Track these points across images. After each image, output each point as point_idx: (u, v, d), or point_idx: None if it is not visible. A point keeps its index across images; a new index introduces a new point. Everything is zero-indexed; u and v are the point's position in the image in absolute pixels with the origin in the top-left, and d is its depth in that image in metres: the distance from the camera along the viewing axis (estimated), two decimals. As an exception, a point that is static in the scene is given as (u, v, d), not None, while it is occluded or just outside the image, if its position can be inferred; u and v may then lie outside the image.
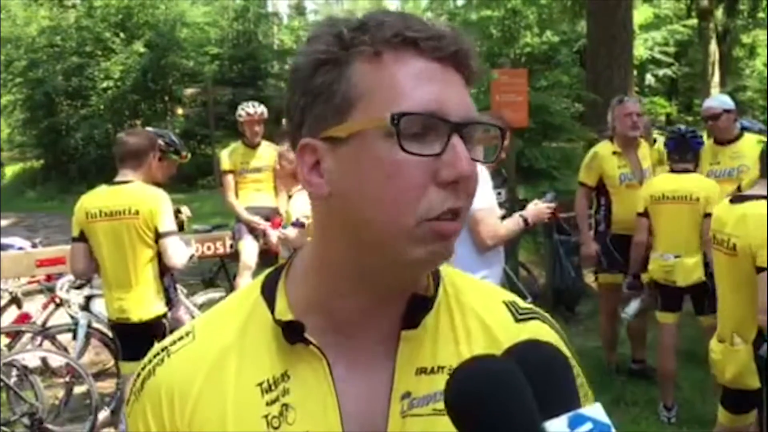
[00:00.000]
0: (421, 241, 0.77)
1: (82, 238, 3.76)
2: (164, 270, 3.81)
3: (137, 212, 3.66)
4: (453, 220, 0.78)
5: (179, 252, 3.79)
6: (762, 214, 2.78)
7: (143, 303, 3.75)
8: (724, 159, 4.94)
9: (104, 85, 17.93)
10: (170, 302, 3.84)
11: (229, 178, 5.98)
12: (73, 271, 4.08)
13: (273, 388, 0.82)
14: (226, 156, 6.09)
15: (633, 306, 4.73)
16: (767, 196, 2.85)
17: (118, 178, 3.78)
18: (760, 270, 2.73)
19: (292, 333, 0.83)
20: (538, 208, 3.81)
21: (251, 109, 5.88)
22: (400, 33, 0.77)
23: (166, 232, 3.72)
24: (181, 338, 0.89)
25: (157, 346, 0.90)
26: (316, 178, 0.81)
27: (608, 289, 5.18)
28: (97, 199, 3.73)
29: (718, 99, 5.54)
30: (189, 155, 4.66)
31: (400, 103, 0.76)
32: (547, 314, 0.93)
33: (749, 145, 4.86)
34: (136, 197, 3.68)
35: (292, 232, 4.14)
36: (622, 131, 4.94)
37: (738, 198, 3.01)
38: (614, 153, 5.00)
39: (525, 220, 3.71)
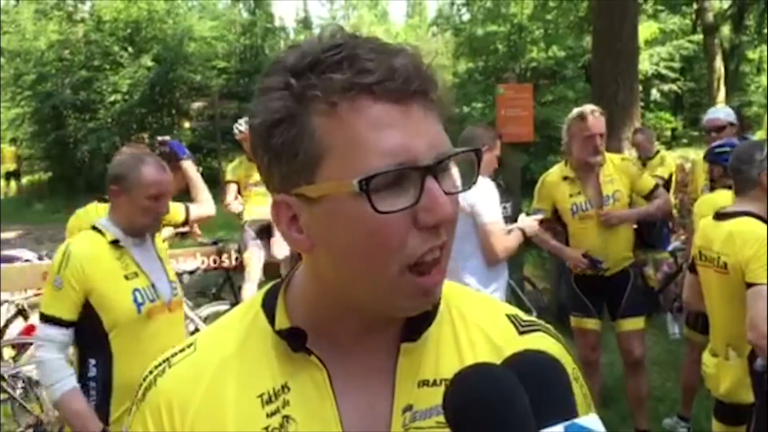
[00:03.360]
0: (406, 295, 0.78)
1: None
2: None
3: None
4: (436, 270, 0.78)
5: (206, 205, 3.94)
6: (748, 230, 2.81)
7: None
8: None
9: (112, 98, 18.03)
10: None
11: (231, 187, 6.09)
12: None
13: (273, 399, 0.82)
14: (231, 169, 6.23)
15: (675, 325, 4.71)
16: (751, 213, 2.87)
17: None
18: (749, 285, 2.74)
19: (294, 340, 0.83)
20: (528, 221, 3.95)
21: (243, 127, 5.99)
22: (350, 82, 0.73)
23: (185, 217, 3.84)
24: (182, 350, 0.89)
25: (159, 358, 0.91)
26: (296, 234, 0.80)
27: (580, 333, 4.32)
28: (90, 216, 3.73)
29: (723, 111, 5.46)
30: (201, 168, 4.71)
31: (364, 160, 0.73)
32: (549, 326, 0.93)
33: None
34: None
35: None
36: (580, 156, 4.09)
37: (722, 215, 3.00)
38: (565, 179, 4.21)
39: (523, 232, 3.86)
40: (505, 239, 3.71)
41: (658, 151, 7.06)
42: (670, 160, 6.93)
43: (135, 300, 2.58)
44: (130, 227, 2.67)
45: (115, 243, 2.63)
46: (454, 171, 0.81)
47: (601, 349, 4.46)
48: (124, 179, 2.64)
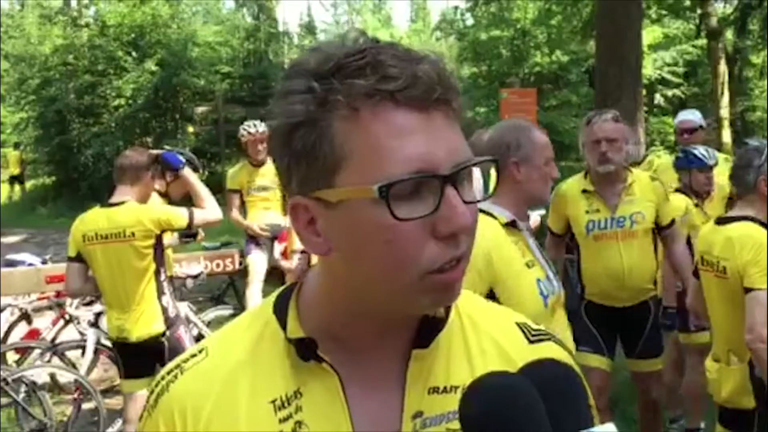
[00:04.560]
0: (427, 292, 0.77)
1: (78, 258, 3.77)
2: (162, 290, 3.82)
3: (132, 234, 3.67)
4: (456, 266, 0.78)
5: (211, 211, 3.91)
6: (747, 235, 2.81)
7: (141, 323, 3.76)
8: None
9: (116, 103, 18.08)
10: (169, 322, 3.85)
11: (233, 197, 6.04)
12: (68, 290, 4.10)
13: (286, 405, 0.82)
14: (231, 176, 6.16)
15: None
16: (751, 217, 2.87)
17: (113, 199, 3.78)
18: (747, 290, 2.74)
19: (305, 350, 0.83)
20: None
21: (252, 129, 5.91)
22: (373, 89, 0.74)
23: (189, 221, 3.80)
24: (194, 355, 0.89)
25: (171, 363, 0.91)
26: (313, 237, 0.80)
27: (584, 372, 3.64)
28: (92, 221, 3.74)
29: (694, 113, 5.46)
30: (205, 173, 4.72)
31: (384, 166, 0.73)
32: (558, 336, 0.93)
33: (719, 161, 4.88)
34: (131, 218, 3.68)
35: (294, 263, 4.19)
36: (592, 163, 3.63)
37: (723, 220, 3.01)
38: (584, 192, 3.69)
39: None
40: None
41: (646, 156, 6.98)
42: (657, 163, 6.82)
43: (541, 292, 2.29)
44: (530, 201, 2.40)
45: (511, 224, 2.33)
46: (477, 176, 0.81)
47: (608, 394, 3.85)
48: (520, 147, 2.37)
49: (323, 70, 0.76)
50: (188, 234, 4.76)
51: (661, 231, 3.72)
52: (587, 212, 3.67)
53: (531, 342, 0.89)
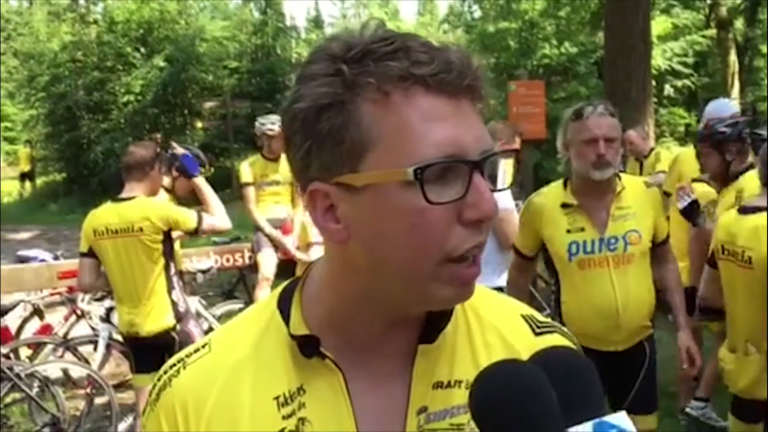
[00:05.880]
0: (446, 282, 0.77)
1: (90, 253, 3.80)
2: (172, 284, 3.84)
3: (141, 229, 3.69)
4: (474, 263, 0.78)
5: (220, 219, 3.92)
6: None
7: (151, 317, 3.78)
8: None
9: (125, 99, 18.13)
10: (179, 316, 3.87)
11: (250, 190, 6.01)
12: (81, 285, 4.14)
13: (289, 401, 0.82)
14: (246, 168, 6.11)
15: None
16: None
17: (123, 194, 3.80)
18: None
19: (307, 347, 0.83)
20: None
21: (269, 126, 5.89)
22: (407, 72, 0.73)
23: (197, 225, 3.81)
24: (197, 350, 0.89)
25: (173, 358, 0.90)
26: (332, 224, 0.79)
27: None
28: (103, 216, 3.77)
29: (727, 102, 5.41)
30: (212, 169, 4.72)
31: (415, 150, 0.73)
32: (564, 328, 0.93)
33: None
34: (139, 214, 3.70)
35: (312, 255, 4.20)
36: (580, 169, 2.89)
37: (747, 209, 2.96)
38: (564, 206, 2.96)
39: None
40: (517, 226, 3.76)
41: (652, 149, 6.89)
42: (666, 155, 6.73)
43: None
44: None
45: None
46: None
47: None
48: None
49: (350, 55, 0.75)
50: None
51: (654, 248, 3.03)
52: (569, 231, 2.93)
53: (537, 334, 0.89)
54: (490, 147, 0.77)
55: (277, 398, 0.82)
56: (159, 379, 0.88)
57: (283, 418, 0.82)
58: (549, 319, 0.93)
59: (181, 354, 0.90)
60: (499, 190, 0.79)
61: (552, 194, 3.04)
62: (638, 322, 2.97)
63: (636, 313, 2.94)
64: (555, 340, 0.88)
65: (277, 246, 5.87)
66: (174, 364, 0.89)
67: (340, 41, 0.77)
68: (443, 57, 0.74)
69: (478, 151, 0.76)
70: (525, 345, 0.85)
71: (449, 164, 0.74)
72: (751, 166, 3.68)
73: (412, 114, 0.74)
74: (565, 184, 3.01)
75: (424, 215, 0.74)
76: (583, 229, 2.91)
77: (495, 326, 0.88)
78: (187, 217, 3.81)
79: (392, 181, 0.74)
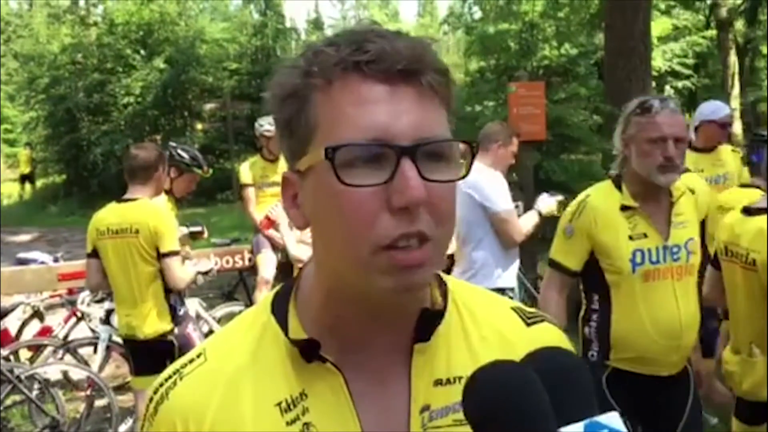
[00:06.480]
0: (384, 272, 0.76)
1: (95, 253, 3.80)
2: (169, 288, 3.82)
3: (137, 231, 3.68)
4: (414, 248, 0.75)
5: (180, 273, 3.79)
6: None
7: (148, 320, 3.78)
8: (706, 166, 4.83)
9: (125, 101, 18.16)
10: (176, 319, 3.86)
11: (250, 192, 6.01)
12: (89, 285, 4.17)
13: (292, 407, 0.82)
14: (246, 170, 6.10)
15: None
16: None
17: (126, 195, 3.81)
18: None
19: (308, 351, 0.82)
20: (548, 200, 4.13)
21: (267, 126, 5.89)
22: (343, 59, 0.75)
23: (166, 253, 3.72)
24: (192, 360, 0.87)
25: (168, 369, 0.89)
26: (293, 210, 0.82)
27: None
28: (106, 216, 3.78)
29: (720, 103, 5.42)
30: (211, 170, 4.71)
31: (340, 134, 0.74)
32: (550, 316, 0.95)
33: (726, 152, 4.88)
34: (138, 216, 3.70)
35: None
36: (642, 170, 2.52)
37: (751, 210, 2.94)
38: (624, 209, 2.58)
39: (539, 213, 4.08)
40: (519, 224, 3.97)
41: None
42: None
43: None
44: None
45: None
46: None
47: None
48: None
49: (315, 47, 0.79)
50: (194, 232, 4.76)
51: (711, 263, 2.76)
52: (631, 238, 2.55)
53: (528, 325, 0.90)
54: (432, 136, 0.75)
55: (279, 404, 0.82)
56: (156, 392, 0.87)
57: (287, 424, 0.81)
58: (535, 309, 0.94)
59: (176, 365, 0.88)
60: (439, 182, 0.75)
61: (604, 195, 2.65)
62: (693, 341, 2.68)
63: (694, 330, 2.66)
64: (545, 328, 0.90)
65: (276, 247, 5.86)
66: (170, 376, 0.87)
67: (328, 38, 0.81)
68: (384, 44, 0.75)
69: (412, 138, 0.74)
70: (519, 337, 0.87)
71: (374, 147, 0.74)
72: None
73: (346, 99, 0.75)
74: (617, 185, 2.64)
75: (348, 198, 0.74)
76: (646, 236, 2.56)
77: (489, 321, 0.89)
78: (167, 241, 3.72)
79: (317, 163, 0.76)
